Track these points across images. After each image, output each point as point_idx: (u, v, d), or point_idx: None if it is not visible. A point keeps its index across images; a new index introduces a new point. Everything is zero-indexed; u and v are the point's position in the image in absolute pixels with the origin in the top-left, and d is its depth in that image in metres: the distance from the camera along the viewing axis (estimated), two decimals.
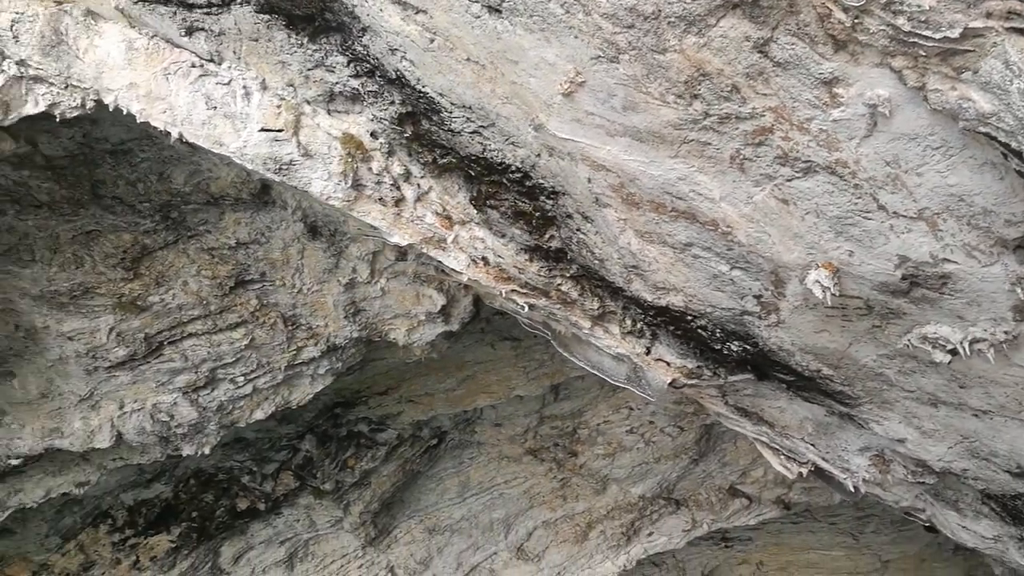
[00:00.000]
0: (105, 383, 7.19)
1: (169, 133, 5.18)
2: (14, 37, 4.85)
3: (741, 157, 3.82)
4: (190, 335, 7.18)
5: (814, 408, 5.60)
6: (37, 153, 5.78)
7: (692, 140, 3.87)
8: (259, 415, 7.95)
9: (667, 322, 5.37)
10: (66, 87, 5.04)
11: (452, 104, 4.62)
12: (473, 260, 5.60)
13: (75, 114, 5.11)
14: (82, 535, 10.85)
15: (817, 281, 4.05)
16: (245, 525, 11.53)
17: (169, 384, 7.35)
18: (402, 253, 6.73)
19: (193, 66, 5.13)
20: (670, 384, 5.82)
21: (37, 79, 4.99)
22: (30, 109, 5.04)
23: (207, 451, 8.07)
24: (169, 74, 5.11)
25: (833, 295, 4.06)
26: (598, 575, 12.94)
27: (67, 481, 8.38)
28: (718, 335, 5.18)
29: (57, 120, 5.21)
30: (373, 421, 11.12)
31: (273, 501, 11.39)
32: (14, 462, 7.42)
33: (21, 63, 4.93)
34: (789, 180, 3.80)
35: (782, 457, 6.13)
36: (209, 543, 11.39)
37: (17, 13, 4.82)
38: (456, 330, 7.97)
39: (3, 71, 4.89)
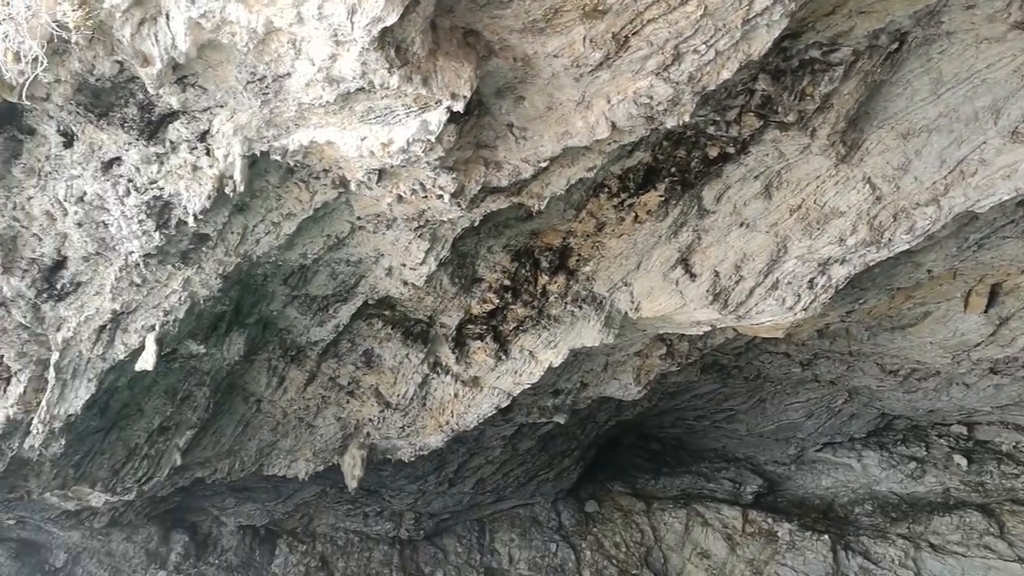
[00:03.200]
0: (591, 85, 8.22)
1: None
2: None
3: None
4: (649, 21, 7.65)
5: None
6: None
7: None
8: (725, 75, 8.34)
9: None
10: None
11: None
12: None
13: None
14: (589, 204, 13.10)
15: None
16: (719, 169, 12.55)
17: (642, 70, 8.07)
18: None
19: None
20: None
21: None
22: None
23: (686, 119, 8.84)
24: None
25: None
26: None
27: (579, 169, 10.11)
28: None
29: None
30: (823, 44, 10.74)
31: (740, 143, 12.10)
32: (543, 164, 9.22)
33: None
34: None
35: None
36: (691, 191, 12.76)
37: None
38: None
39: None
